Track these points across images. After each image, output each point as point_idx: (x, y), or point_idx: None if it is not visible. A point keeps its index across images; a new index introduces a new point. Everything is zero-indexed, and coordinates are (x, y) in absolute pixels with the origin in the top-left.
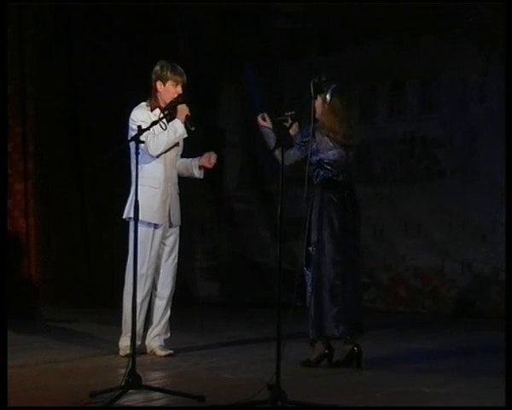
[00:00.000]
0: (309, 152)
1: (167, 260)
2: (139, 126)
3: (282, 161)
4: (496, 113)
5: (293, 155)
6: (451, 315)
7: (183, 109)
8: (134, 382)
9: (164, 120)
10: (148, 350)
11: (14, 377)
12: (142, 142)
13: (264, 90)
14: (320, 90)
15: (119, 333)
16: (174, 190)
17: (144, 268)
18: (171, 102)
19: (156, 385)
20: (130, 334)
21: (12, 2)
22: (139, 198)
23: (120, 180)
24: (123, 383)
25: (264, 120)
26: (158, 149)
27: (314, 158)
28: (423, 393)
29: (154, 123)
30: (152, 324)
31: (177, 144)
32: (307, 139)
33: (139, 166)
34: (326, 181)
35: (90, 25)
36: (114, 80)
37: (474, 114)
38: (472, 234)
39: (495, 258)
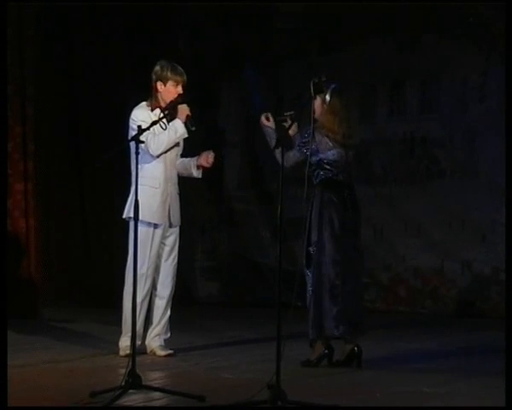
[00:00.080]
0: (309, 153)
1: (167, 259)
2: (139, 126)
3: (282, 160)
4: (496, 113)
5: (293, 156)
6: (451, 315)
7: (183, 109)
8: (134, 382)
9: (164, 120)
10: (148, 350)
11: (14, 377)
12: (142, 142)
13: (264, 90)
14: (320, 90)
15: (119, 333)
16: (174, 189)
17: (144, 268)
18: (171, 101)
19: (156, 385)
20: (130, 334)
21: (12, 2)
22: (139, 198)
23: (120, 180)
24: (123, 383)
25: (267, 119)
26: (158, 148)
27: (314, 158)
28: (423, 393)
29: (154, 123)
30: (152, 324)
31: (177, 144)
32: (307, 140)
33: (139, 166)
34: (326, 181)
35: (90, 25)
36: (114, 80)
37: (474, 114)
38: (472, 234)
39: (495, 258)
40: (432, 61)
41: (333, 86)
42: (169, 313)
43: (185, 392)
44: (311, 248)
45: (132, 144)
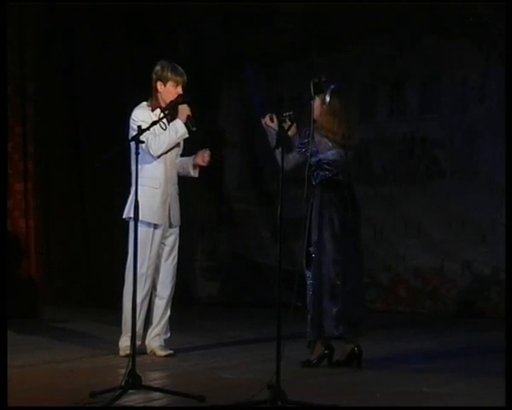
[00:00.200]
0: (308, 153)
1: (167, 259)
2: (139, 126)
3: (282, 160)
4: (496, 113)
5: (292, 158)
6: (451, 315)
7: (184, 110)
8: (134, 382)
9: (164, 120)
10: (148, 350)
11: (14, 377)
12: (143, 142)
13: (264, 90)
14: (320, 91)
15: (119, 333)
16: (174, 190)
17: (144, 268)
18: (171, 102)
19: (156, 385)
20: (130, 334)
21: (12, 2)
22: (139, 198)
23: (120, 180)
24: (123, 384)
25: (271, 120)
26: (159, 149)
27: (313, 159)
28: (423, 393)
29: (154, 123)
30: (152, 324)
31: (177, 145)
32: (306, 141)
33: (139, 167)
34: (326, 181)
35: (90, 25)
36: (114, 80)
37: (473, 114)
38: (472, 234)
39: (495, 258)
40: (432, 61)
41: (332, 87)
42: (169, 313)
43: (185, 392)
44: (311, 249)
45: (132, 144)
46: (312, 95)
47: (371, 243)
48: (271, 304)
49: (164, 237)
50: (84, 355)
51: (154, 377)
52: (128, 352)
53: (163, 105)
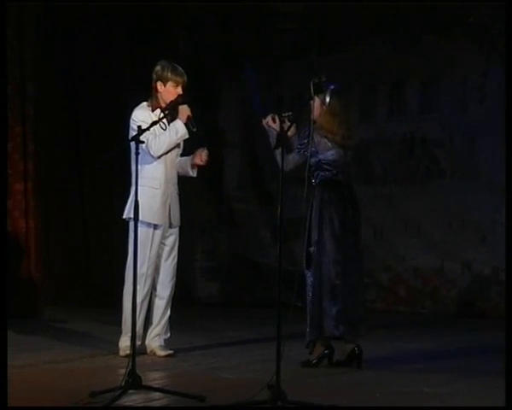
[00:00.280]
0: (308, 153)
1: (167, 259)
2: (139, 127)
3: (282, 161)
4: (496, 113)
5: (292, 159)
6: (451, 315)
7: (184, 110)
8: (134, 382)
9: (164, 120)
10: (148, 350)
11: (14, 377)
12: (142, 142)
13: (264, 90)
14: (320, 91)
15: (119, 333)
16: (174, 190)
17: (144, 268)
18: (171, 102)
19: (156, 385)
20: (130, 334)
21: (12, 3)
22: (139, 198)
23: (120, 180)
24: (123, 384)
25: (274, 121)
26: (159, 150)
27: (313, 160)
28: (423, 393)
29: (154, 123)
30: (152, 324)
31: (177, 145)
32: (306, 141)
33: (140, 167)
34: (326, 181)
35: (90, 25)
36: (114, 80)
37: (474, 114)
38: (472, 234)
39: (495, 258)
40: (432, 61)
41: (332, 87)
42: (169, 313)
43: (185, 392)
44: (311, 249)
45: (132, 144)
46: (312, 95)
47: (371, 243)
48: (271, 304)
49: (164, 237)
50: (84, 355)
51: (154, 377)
52: (128, 352)
53: (163, 105)
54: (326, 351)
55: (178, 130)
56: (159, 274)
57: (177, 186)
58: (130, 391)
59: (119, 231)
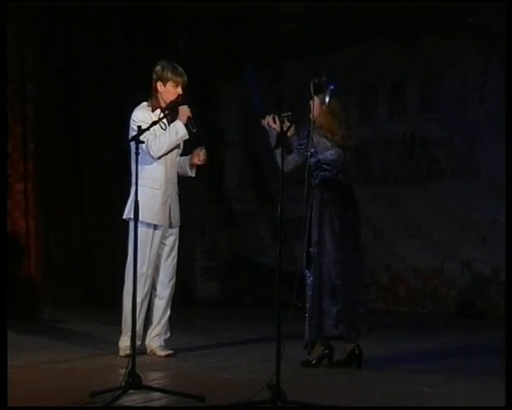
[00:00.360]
0: (309, 153)
1: (167, 259)
2: (139, 127)
3: (282, 161)
4: (496, 113)
5: (291, 160)
6: (451, 315)
7: (184, 111)
8: (134, 382)
9: (164, 120)
10: (148, 350)
11: (14, 377)
12: (143, 142)
13: (264, 90)
14: (320, 91)
15: (119, 333)
16: (174, 190)
17: (144, 268)
18: (170, 102)
19: (156, 385)
20: (130, 334)
21: (12, 2)
22: (139, 199)
23: (120, 180)
24: (123, 384)
25: (274, 121)
26: (159, 150)
27: (312, 160)
28: (423, 393)
29: (153, 123)
30: (152, 324)
31: (178, 146)
32: (305, 141)
33: (140, 167)
34: (325, 181)
35: (90, 25)
36: (114, 80)
37: (474, 114)
38: (472, 234)
39: (495, 258)
40: (432, 61)
41: (331, 87)
42: (169, 313)
43: (185, 392)
44: (311, 249)
45: (133, 145)
46: (312, 95)
47: (371, 243)
48: (271, 304)
49: (164, 237)
50: (84, 355)
51: (154, 377)
52: (128, 352)
53: (163, 105)
54: (326, 351)
55: (178, 131)
56: (158, 274)
57: (177, 186)
58: (130, 391)
59: (119, 231)
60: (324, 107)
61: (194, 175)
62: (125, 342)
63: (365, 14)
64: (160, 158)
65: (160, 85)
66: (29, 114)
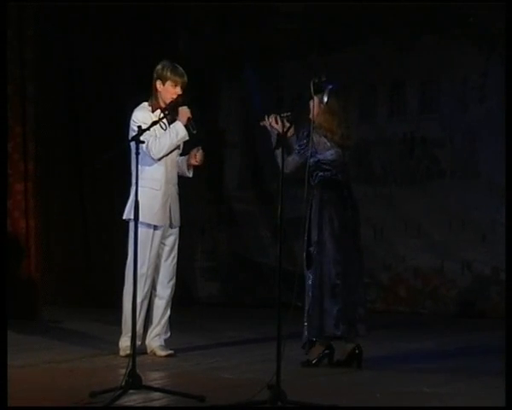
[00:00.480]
0: (309, 153)
1: (167, 259)
2: (139, 127)
3: (283, 160)
4: (496, 113)
5: (292, 160)
6: (451, 315)
7: (184, 112)
8: (134, 382)
9: (164, 121)
10: (148, 350)
11: (15, 377)
12: (143, 142)
13: (264, 90)
14: (320, 91)
15: (119, 333)
16: (174, 190)
17: (144, 268)
18: (170, 102)
19: (156, 385)
20: (130, 334)
21: (12, 2)
22: (140, 199)
23: (120, 180)
24: (123, 384)
25: (276, 122)
26: (160, 152)
27: (312, 160)
28: (423, 393)
29: (153, 123)
30: (152, 324)
31: (177, 146)
32: (305, 142)
33: (140, 168)
34: (325, 181)
35: (90, 25)
36: (114, 80)
37: (474, 114)
38: (472, 234)
39: (495, 258)
40: (432, 61)
41: (330, 87)
42: (169, 313)
43: (185, 392)
44: (311, 249)
45: (133, 145)
46: (312, 95)
47: (371, 243)
48: (271, 304)
49: (164, 238)
50: (84, 355)
51: (154, 377)
52: (128, 352)
53: (163, 105)
54: (326, 351)
55: (179, 132)
56: (158, 274)
57: (177, 186)
58: (131, 391)
59: (119, 231)
60: (322, 106)
61: (191, 175)
62: (125, 342)
63: (365, 14)
64: (160, 159)
65: (159, 84)
66: (29, 114)
